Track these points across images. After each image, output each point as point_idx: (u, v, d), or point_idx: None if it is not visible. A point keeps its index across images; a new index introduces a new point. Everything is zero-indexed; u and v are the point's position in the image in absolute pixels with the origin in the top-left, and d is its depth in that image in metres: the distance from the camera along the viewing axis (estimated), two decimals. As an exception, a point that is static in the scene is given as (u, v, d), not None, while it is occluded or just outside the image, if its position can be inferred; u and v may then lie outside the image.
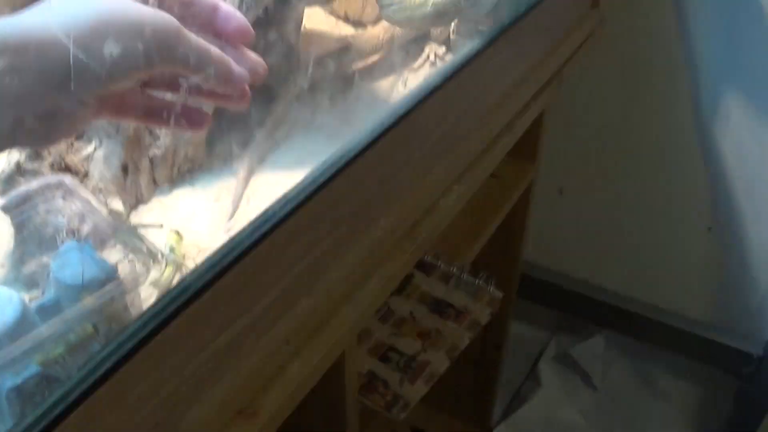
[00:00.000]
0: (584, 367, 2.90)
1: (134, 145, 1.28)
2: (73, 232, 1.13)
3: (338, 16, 1.63)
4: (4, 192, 1.16)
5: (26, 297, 1.14)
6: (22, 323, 0.97)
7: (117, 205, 1.24)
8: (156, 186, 1.30)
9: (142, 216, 1.26)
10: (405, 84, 1.51)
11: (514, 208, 2.05)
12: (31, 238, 1.17)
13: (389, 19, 1.41)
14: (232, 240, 0.93)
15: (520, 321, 2.94)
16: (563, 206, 2.87)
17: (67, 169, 1.21)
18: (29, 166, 1.17)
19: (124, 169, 1.27)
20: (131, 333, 0.84)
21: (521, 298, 2.63)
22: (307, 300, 1.07)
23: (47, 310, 1.04)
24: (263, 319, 1.01)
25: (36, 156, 1.17)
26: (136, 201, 1.28)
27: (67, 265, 1.04)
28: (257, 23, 1.32)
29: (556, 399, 2.84)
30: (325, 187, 1.04)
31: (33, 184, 1.13)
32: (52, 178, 1.14)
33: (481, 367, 2.52)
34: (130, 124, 1.25)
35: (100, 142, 1.25)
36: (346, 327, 1.13)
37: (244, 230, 0.94)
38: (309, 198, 1.02)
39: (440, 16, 1.39)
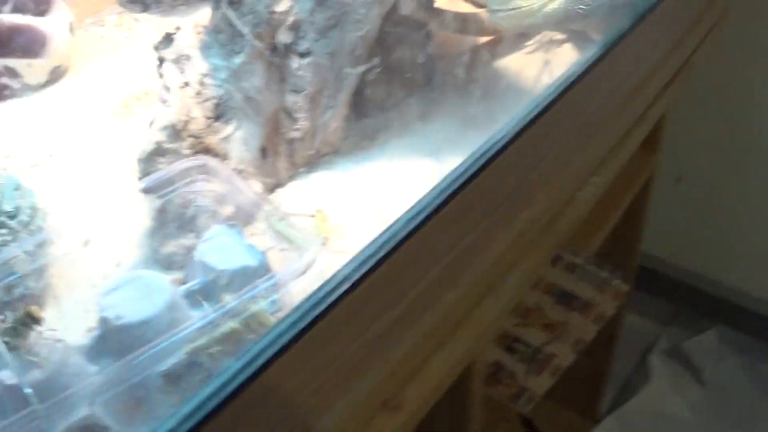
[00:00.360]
0: (695, 362, 2.82)
1: (273, 127, 1.27)
2: (214, 215, 1.12)
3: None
4: (143, 172, 1.16)
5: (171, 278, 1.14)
6: (171, 308, 0.97)
7: (256, 187, 1.23)
8: (295, 169, 1.28)
9: (280, 198, 1.25)
10: (546, 69, 1.47)
11: (634, 199, 2.00)
12: (172, 220, 1.17)
13: (497, 24, 1.37)
14: (387, 230, 0.91)
15: (632, 312, 2.87)
16: (680, 195, 2.78)
17: (206, 150, 1.20)
18: (169, 146, 1.16)
19: (263, 152, 1.26)
20: (287, 325, 0.83)
21: (633, 289, 2.57)
22: (453, 292, 1.05)
23: (194, 295, 1.04)
24: (411, 312, 0.99)
25: (176, 136, 1.16)
26: (274, 184, 1.27)
27: (215, 250, 1.04)
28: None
29: (664, 393, 2.77)
30: (475, 178, 1.02)
31: (175, 166, 1.13)
32: (194, 160, 1.14)
33: (592, 357, 2.46)
34: (269, 107, 1.25)
35: (240, 123, 1.24)
36: (488, 320, 1.11)
37: (398, 220, 0.92)
38: (460, 188, 0.99)
39: (551, 25, 1.36)
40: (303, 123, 1.27)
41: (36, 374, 0.92)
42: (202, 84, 1.22)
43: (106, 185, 1.31)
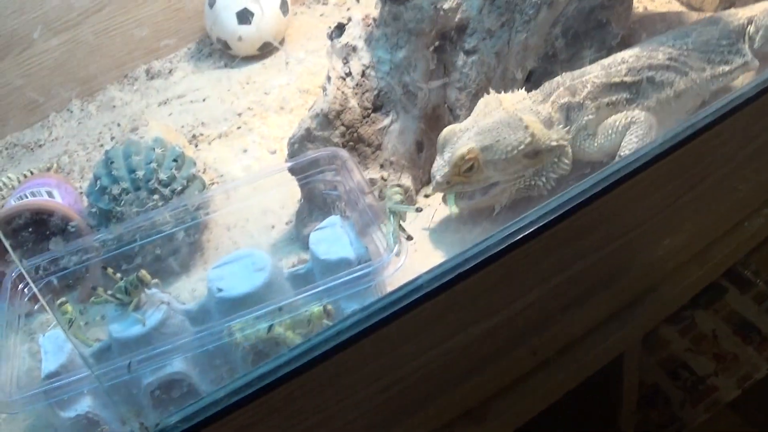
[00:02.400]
0: None
1: (432, 122, 1.28)
2: (338, 207, 1.16)
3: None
4: (292, 155, 1.21)
5: (296, 259, 1.19)
6: (269, 287, 1.03)
7: (407, 180, 1.25)
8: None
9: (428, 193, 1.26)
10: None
11: None
12: (312, 203, 1.22)
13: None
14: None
15: None
16: None
17: (359, 140, 1.24)
18: (319, 133, 1.21)
19: (418, 146, 1.28)
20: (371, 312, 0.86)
21: None
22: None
23: (299, 278, 1.08)
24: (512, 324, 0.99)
25: (328, 124, 1.21)
26: (426, 178, 1.28)
27: (324, 239, 1.07)
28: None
29: None
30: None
31: (311, 153, 1.17)
32: (328, 150, 1.18)
33: None
34: (429, 102, 1.26)
35: (397, 115, 1.26)
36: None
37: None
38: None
39: None
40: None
41: (137, 329, 1.02)
42: (364, 75, 1.26)
43: (266, 161, 1.39)
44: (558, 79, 1.22)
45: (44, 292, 1.16)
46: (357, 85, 1.25)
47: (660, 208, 1.12)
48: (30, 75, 1.62)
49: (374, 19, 1.28)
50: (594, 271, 1.09)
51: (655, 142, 1.06)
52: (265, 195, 1.25)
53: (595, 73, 1.21)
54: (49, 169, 1.50)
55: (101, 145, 1.54)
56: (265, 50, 1.68)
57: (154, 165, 1.24)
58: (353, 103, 1.24)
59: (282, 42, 1.70)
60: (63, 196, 1.29)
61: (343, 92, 1.23)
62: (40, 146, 1.62)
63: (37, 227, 1.24)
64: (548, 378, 1.11)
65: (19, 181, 1.44)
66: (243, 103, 1.56)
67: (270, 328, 0.95)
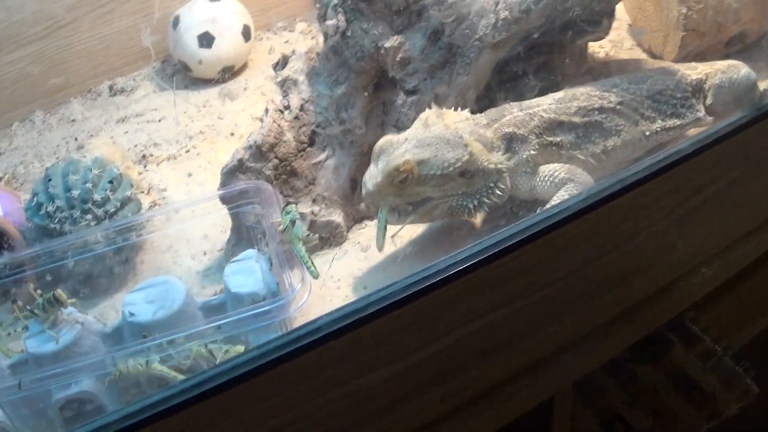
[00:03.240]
0: None
1: (368, 160, 1.28)
2: (259, 239, 1.16)
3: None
4: (224, 184, 1.21)
5: (219, 288, 1.19)
6: (180, 315, 1.04)
7: (338, 216, 1.25)
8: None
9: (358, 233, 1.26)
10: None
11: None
12: (240, 233, 1.23)
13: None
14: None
15: None
16: None
17: (292, 173, 1.24)
18: (252, 164, 1.21)
19: (352, 183, 1.28)
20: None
21: None
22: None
23: (213, 309, 1.09)
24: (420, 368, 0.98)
25: (260, 156, 1.21)
26: (359, 216, 1.28)
27: (238, 272, 1.07)
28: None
29: None
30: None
31: (239, 185, 1.17)
32: (252, 183, 1.18)
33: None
34: (366, 140, 1.26)
35: (333, 151, 1.26)
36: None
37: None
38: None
39: None
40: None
41: (51, 346, 1.03)
42: (302, 109, 1.26)
43: (210, 186, 1.40)
44: (506, 106, 1.20)
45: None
46: (295, 118, 1.25)
47: (584, 263, 1.10)
48: (-5, 84, 1.64)
49: (317, 54, 1.28)
50: (515, 320, 1.08)
51: (581, 194, 1.05)
52: (202, 220, 1.26)
53: (543, 106, 1.20)
54: (0, 179, 1.50)
55: (57, 158, 1.55)
56: (226, 74, 1.69)
57: (89, 185, 1.25)
58: (289, 136, 1.24)
59: (244, 67, 1.71)
60: (3, 207, 1.30)
61: (279, 125, 1.23)
62: (0, 154, 1.63)
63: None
64: (461, 425, 1.10)
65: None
66: (197, 126, 1.57)
67: (147, 363, 0.94)
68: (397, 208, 1.15)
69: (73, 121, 1.66)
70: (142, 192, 1.42)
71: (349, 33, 1.23)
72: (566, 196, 1.14)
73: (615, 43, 1.57)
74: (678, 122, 1.28)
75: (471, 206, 1.14)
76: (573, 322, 1.15)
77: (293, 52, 1.30)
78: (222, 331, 0.97)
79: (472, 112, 1.19)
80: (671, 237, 1.18)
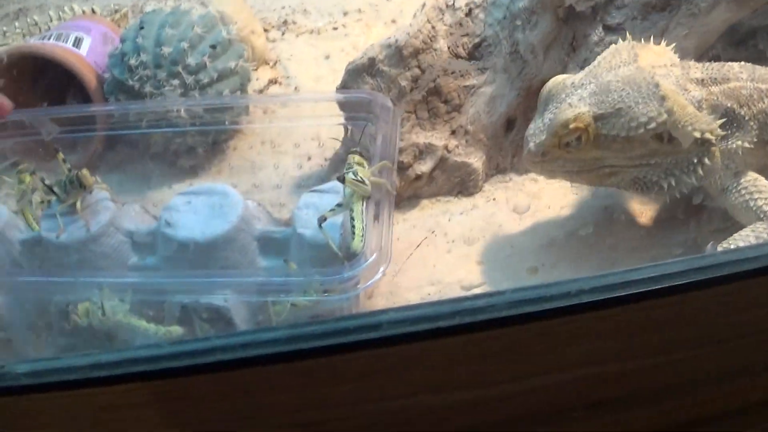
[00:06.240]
0: None
1: (534, 98, 1.00)
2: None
3: None
4: (344, 85, 0.97)
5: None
6: (227, 242, 0.83)
7: (477, 160, 0.99)
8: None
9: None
10: None
11: None
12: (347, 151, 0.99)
13: None
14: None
15: None
16: None
17: (435, 92, 0.98)
18: (385, 68, 0.95)
19: (509, 123, 1.01)
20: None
21: None
22: None
23: (271, 244, 0.85)
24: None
25: (399, 60, 0.95)
26: (503, 165, 1.02)
27: (314, 206, 0.84)
28: None
29: None
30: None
31: (358, 91, 0.95)
32: (370, 94, 0.96)
33: None
34: (539, 72, 0.98)
35: (494, 77, 1.00)
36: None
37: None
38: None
39: None
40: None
41: (66, 235, 0.85)
42: (469, 14, 0.99)
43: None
44: (733, 66, 0.87)
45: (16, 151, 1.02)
46: (456, 23, 0.98)
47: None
48: None
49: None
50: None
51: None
52: (319, 121, 1.03)
53: None
54: (116, 11, 1.29)
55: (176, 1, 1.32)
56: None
57: (184, 45, 1.02)
58: (442, 44, 0.97)
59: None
60: (92, 48, 1.10)
61: (433, 27, 0.97)
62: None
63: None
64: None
65: (63, 19, 1.25)
66: (357, 1, 1.31)
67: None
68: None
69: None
70: (267, 64, 1.20)
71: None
72: (761, 238, 0.82)
73: None
74: None
75: (665, 184, 0.84)
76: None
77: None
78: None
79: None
80: None
